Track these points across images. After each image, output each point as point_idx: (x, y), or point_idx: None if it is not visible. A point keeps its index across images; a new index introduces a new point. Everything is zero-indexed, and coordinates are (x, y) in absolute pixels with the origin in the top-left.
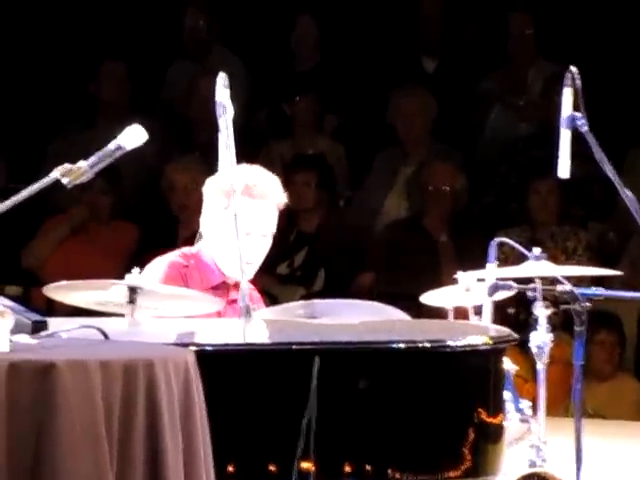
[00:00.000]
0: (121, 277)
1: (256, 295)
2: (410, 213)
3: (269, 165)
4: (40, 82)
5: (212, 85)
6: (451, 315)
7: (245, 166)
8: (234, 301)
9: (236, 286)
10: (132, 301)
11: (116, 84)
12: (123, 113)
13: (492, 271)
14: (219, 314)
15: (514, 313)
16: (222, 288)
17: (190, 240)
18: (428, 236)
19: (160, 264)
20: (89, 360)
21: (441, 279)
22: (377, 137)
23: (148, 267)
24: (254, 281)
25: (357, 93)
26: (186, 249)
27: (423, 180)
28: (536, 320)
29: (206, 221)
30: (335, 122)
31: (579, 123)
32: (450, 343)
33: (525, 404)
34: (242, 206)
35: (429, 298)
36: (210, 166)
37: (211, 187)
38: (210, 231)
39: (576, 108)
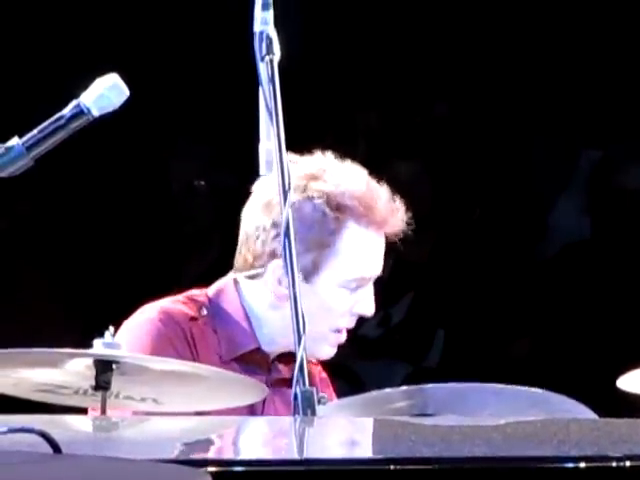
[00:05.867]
0: (83, 342)
1: (322, 376)
2: (595, 232)
3: (347, 146)
4: None
5: None
6: None
7: (332, 162)
8: (283, 383)
9: (283, 359)
10: (103, 385)
11: None
12: None
13: None
14: (251, 409)
15: None
16: (256, 360)
17: (205, 279)
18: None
19: (146, 318)
20: None
21: None
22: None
23: (126, 324)
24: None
25: None
26: (196, 292)
27: (614, 175)
28: None
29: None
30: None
31: None
32: None
33: None
34: (348, 243)
35: (632, 382)
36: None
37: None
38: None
39: None
